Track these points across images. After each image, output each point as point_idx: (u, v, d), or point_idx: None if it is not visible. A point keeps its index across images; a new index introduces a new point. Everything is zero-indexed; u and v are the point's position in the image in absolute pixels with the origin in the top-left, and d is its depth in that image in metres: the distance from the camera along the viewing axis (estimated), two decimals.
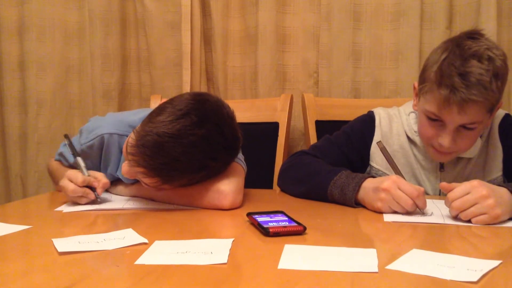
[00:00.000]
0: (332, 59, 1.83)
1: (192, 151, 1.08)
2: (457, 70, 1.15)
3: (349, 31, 1.82)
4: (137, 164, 1.10)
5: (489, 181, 1.27)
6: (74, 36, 2.02)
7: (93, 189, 1.19)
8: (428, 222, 1.03)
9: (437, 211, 1.10)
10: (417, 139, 1.33)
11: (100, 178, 1.21)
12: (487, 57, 1.15)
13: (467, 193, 1.02)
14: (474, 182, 1.03)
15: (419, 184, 1.33)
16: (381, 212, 1.09)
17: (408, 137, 1.35)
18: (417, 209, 1.08)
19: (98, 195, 1.19)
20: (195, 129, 1.08)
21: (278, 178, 1.41)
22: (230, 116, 1.17)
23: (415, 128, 1.34)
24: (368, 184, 1.13)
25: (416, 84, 1.30)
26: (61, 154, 1.39)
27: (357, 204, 1.15)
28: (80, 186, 1.17)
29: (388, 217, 1.06)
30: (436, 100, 1.19)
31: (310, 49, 1.87)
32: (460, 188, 1.03)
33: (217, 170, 1.17)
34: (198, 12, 1.88)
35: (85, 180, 1.18)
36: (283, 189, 1.38)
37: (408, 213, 1.08)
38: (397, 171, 1.18)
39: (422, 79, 1.25)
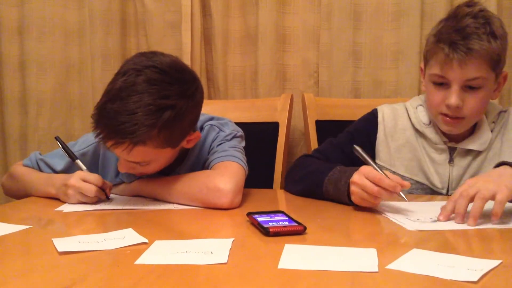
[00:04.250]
0: (332, 59, 1.83)
1: (140, 99, 1.08)
2: (454, 28, 1.21)
3: (349, 31, 1.82)
4: (105, 140, 1.12)
5: None
6: (74, 36, 2.02)
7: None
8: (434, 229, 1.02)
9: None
10: (426, 131, 1.33)
11: (104, 180, 1.23)
12: (482, 16, 1.21)
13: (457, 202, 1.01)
14: (456, 194, 1.02)
15: (428, 178, 1.33)
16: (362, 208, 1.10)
17: (417, 131, 1.35)
18: (401, 196, 1.05)
19: (108, 196, 1.22)
20: (136, 78, 1.10)
21: (284, 181, 1.41)
22: (167, 55, 1.18)
23: (424, 120, 1.34)
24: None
25: (422, 65, 1.34)
26: (42, 160, 1.36)
27: (351, 200, 1.13)
28: (99, 187, 1.20)
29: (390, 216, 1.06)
30: (438, 60, 1.23)
31: (310, 49, 1.87)
32: (450, 203, 1.02)
33: (185, 109, 1.14)
34: (198, 12, 1.88)
35: (101, 181, 1.21)
36: (287, 190, 1.38)
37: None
38: (367, 161, 1.14)
39: (425, 48, 1.30)
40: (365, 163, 1.14)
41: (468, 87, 1.22)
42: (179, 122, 1.15)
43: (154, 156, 1.17)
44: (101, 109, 1.12)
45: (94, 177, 1.20)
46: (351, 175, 1.12)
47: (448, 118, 1.26)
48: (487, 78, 1.22)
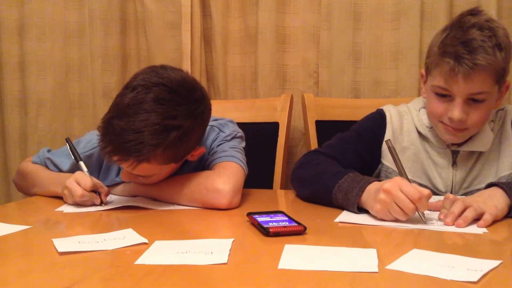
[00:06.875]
0: (332, 59, 1.83)
1: (147, 118, 1.08)
2: (459, 40, 1.17)
3: (349, 31, 1.81)
4: (110, 155, 1.12)
5: (501, 177, 1.28)
6: (74, 36, 2.02)
7: (96, 193, 1.19)
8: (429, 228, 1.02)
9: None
10: (429, 134, 1.32)
11: (101, 185, 1.22)
12: (488, 27, 1.18)
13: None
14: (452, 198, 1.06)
15: (430, 181, 1.32)
16: (382, 219, 1.03)
17: (420, 133, 1.34)
18: (419, 215, 1.01)
19: (103, 201, 1.19)
20: (144, 96, 1.09)
21: (291, 176, 1.36)
22: (177, 70, 1.18)
23: (427, 123, 1.33)
24: (372, 186, 1.07)
25: (423, 71, 1.32)
26: (49, 159, 1.36)
27: (360, 209, 1.09)
28: (88, 191, 1.17)
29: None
30: (442, 72, 1.20)
31: (310, 49, 1.87)
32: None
33: (192, 129, 1.14)
34: (198, 12, 1.88)
35: (94, 185, 1.18)
36: (294, 189, 1.34)
37: (409, 220, 1.01)
38: (401, 172, 1.10)
39: (427, 58, 1.28)
40: (393, 159, 1.10)
41: (472, 100, 1.20)
42: (184, 141, 1.15)
43: (158, 171, 1.19)
44: (107, 123, 1.11)
45: (85, 180, 1.18)
46: (364, 187, 1.08)
47: (450, 128, 1.24)
48: (491, 92, 1.21)
